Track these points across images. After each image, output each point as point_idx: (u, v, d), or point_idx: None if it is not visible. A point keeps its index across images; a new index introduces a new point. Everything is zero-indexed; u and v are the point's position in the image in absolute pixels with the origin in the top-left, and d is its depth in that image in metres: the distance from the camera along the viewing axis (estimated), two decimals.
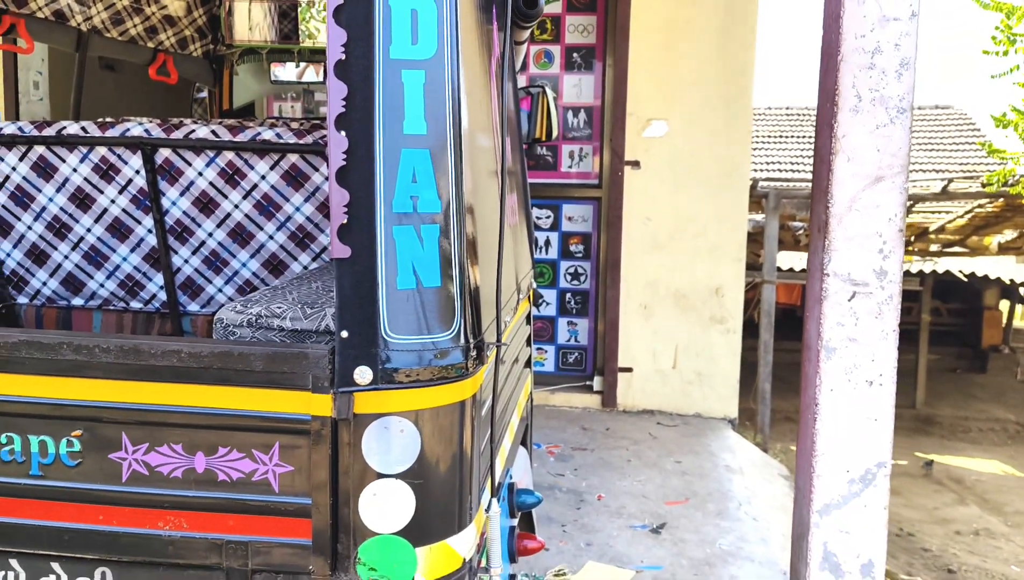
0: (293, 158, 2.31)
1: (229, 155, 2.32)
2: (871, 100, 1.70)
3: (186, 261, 2.50)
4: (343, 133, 1.43)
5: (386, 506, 1.47)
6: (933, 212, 12.84)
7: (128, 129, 2.33)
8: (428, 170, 1.45)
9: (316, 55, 4.48)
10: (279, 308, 1.64)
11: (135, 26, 3.70)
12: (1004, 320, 18.67)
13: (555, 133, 3.69)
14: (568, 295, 6.11)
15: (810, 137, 19.28)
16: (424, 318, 1.46)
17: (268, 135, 2.31)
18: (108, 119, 2.41)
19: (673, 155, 5.75)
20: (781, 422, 11.77)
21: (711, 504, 4.54)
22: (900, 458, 12.72)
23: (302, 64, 4.50)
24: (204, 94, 4.93)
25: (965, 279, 15.87)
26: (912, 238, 13.10)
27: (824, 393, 1.79)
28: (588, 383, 6.03)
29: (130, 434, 1.50)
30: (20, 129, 2.37)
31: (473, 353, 1.52)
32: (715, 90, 5.71)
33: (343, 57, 1.42)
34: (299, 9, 4.41)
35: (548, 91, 3.69)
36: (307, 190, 2.35)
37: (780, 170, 16.89)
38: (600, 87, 5.94)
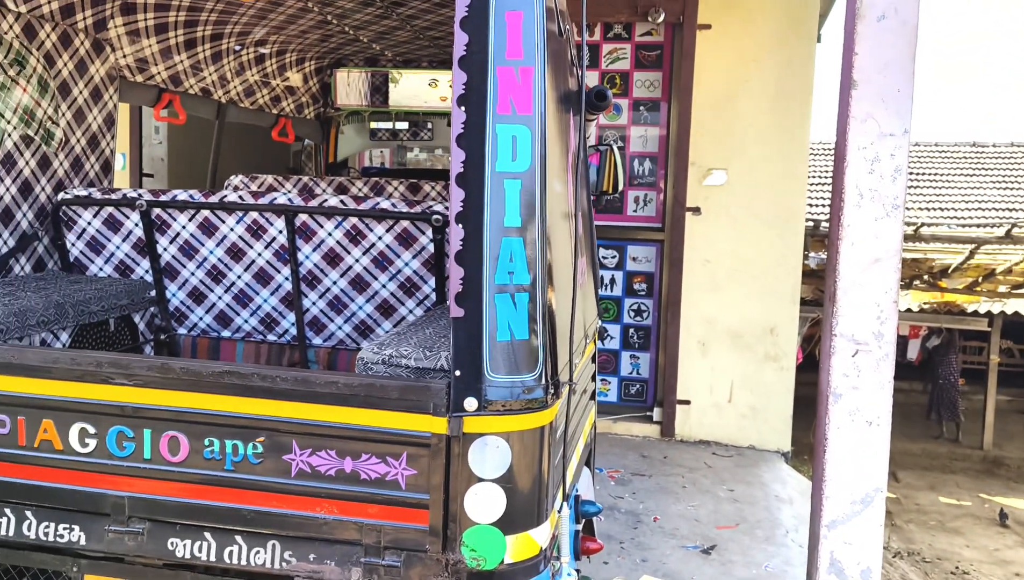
0: (405, 223, 2.85)
1: (354, 220, 2.87)
2: (871, 198, 2.15)
3: (314, 303, 3.05)
4: (460, 226, 1.94)
5: (484, 503, 1.95)
6: (1001, 254, 12.85)
7: (275, 198, 2.90)
8: (521, 253, 1.95)
9: (408, 115, 5.08)
10: (405, 350, 2.14)
11: (263, 96, 4.35)
12: None
13: (620, 186, 4.16)
14: (631, 330, 6.54)
15: None
16: (515, 363, 1.95)
17: (385, 205, 2.85)
18: (260, 189, 3.00)
19: (731, 202, 6.16)
20: None
21: (760, 530, 4.90)
22: (965, 499, 12.68)
23: (397, 123, 5.12)
24: (307, 142, 5.57)
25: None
26: (979, 279, 13.13)
27: (832, 430, 2.22)
28: (648, 413, 6.44)
29: (298, 442, 2.03)
30: (191, 196, 2.96)
31: (551, 390, 2.00)
32: (772, 142, 6.12)
33: (462, 170, 1.93)
34: (388, 79, 5.01)
35: (615, 149, 4.14)
36: (415, 249, 2.88)
37: None
38: (664, 138, 6.40)
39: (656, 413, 6.37)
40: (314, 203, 2.87)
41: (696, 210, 6.18)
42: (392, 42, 4.24)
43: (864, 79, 2.14)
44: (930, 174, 19.06)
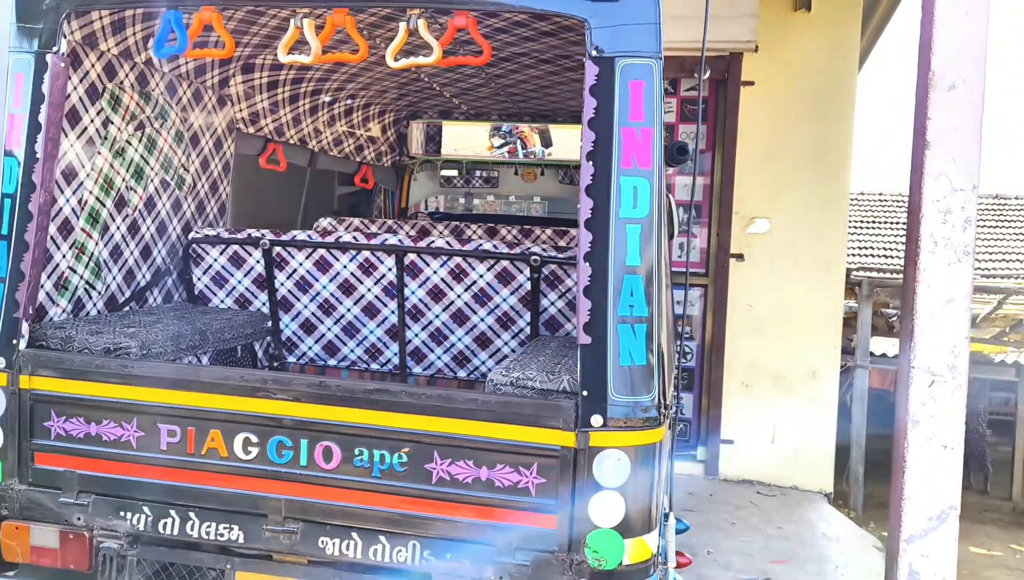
0: (505, 263, 3.14)
1: (458, 259, 3.17)
2: (944, 245, 2.42)
3: (416, 335, 3.33)
4: (588, 264, 2.22)
5: (606, 509, 2.21)
6: None
7: (386, 239, 3.21)
8: (640, 289, 2.23)
9: (474, 165, 5.43)
10: (530, 374, 2.41)
11: (348, 145, 4.70)
12: None
13: (676, 232, 4.45)
14: (676, 371, 6.78)
15: (903, 224, 19.55)
16: (635, 385, 2.22)
17: (487, 246, 3.15)
18: (372, 230, 3.31)
19: (774, 249, 6.43)
20: (874, 507, 11.90)
21: (811, 566, 5.08)
22: (996, 550, 12.64)
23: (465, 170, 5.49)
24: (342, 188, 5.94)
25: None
26: (1007, 330, 13.26)
27: (910, 454, 2.46)
28: (692, 452, 6.64)
29: (439, 452, 2.29)
30: (308, 236, 3.28)
31: (663, 410, 2.27)
32: (813, 191, 6.41)
33: (590, 216, 2.23)
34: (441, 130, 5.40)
35: (671, 197, 4.44)
36: (512, 286, 3.17)
37: (872, 255, 17.18)
38: (708, 187, 6.71)
39: (700, 452, 6.57)
40: (422, 244, 3.17)
41: (740, 257, 6.46)
42: (472, 97, 4.60)
43: (937, 141, 2.44)
44: (981, 225, 19.25)
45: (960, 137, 2.42)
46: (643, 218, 2.23)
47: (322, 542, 2.36)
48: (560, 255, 3.09)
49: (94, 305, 2.94)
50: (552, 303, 3.15)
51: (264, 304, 3.41)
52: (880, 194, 21.21)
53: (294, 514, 2.38)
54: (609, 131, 2.22)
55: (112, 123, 2.92)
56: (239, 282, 3.40)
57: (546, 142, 5.39)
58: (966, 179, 2.41)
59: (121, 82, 2.93)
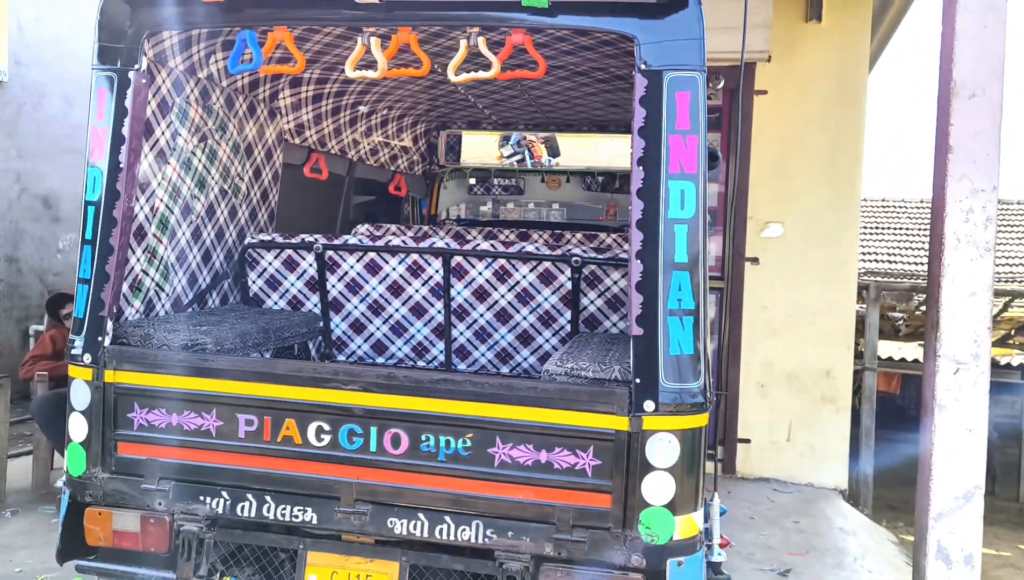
0: (547, 264, 3.33)
1: (502, 261, 3.35)
2: (967, 242, 2.60)
3: (461, 333, 3.51)
4: (639, 261, 2.40)
5: (658, 488, 2.38)
6: None
7: (434, 242, 3.39)
8: (688, 284, 2.41)
9: (501, 173, 5.64)
10: (583, 364, 2.58)
11: (384, 155, 4.89)
12: None
13: None
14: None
15: (906, 229, 19.76)
16: (683, 373, 2.40)
17: (530, 248, 3.33)
18: (416, 236, 3.50)
19: (788, 253, 6.61)
20: (884, 508, 12.05)
21: (829, 558, 5.24)
22: (1005, 550, 12.78)
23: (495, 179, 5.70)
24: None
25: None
26: (1012, 332, 13.42)
27: (937, 437, 2.64)
28: (710, 451, 6.79)
29: (501, 437, 2.47)
30: (360, 240, 3.46)
31: (708, 396, 2.45)
32: (825, 196, 6.60)
33: (641, 217, 2.41)
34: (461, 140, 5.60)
35: None
36: (554, 286, 3.35)
37: (877, 261, 17.34)
38: (722, 194, 6.89)
39: (718, 451, 6.73)
40: (467, 247, 3.35)
41: (755, 260, 6.64)
42: (503, 108, 4.79)
43: (959, 145, 2.62)
44: None
45: (980, 142, 2.61)
46: (690, 219, 2.42)
47: (390, 522, 2.53)
48: (600, 256, 3.28)
49: (162, 306, 3.12)
50: (592, 302, 3.33)
51: (315, 305, 3.60)
52: (883, 200, 21.41)
53: (364, 497, 2.55)
54: (658, 139, 2.41)
55: (180, 135, 3.11)
56: (292, 285, 3.59)
57: (553, 152, 5.58)
58: (987, 181, 2.59)
59: (187, 96, 3.12)
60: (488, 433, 2.48)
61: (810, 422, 6.64)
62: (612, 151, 5.23)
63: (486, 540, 2.48)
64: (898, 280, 12.98)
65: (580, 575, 2.42)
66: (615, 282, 3.30)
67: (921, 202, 21.78)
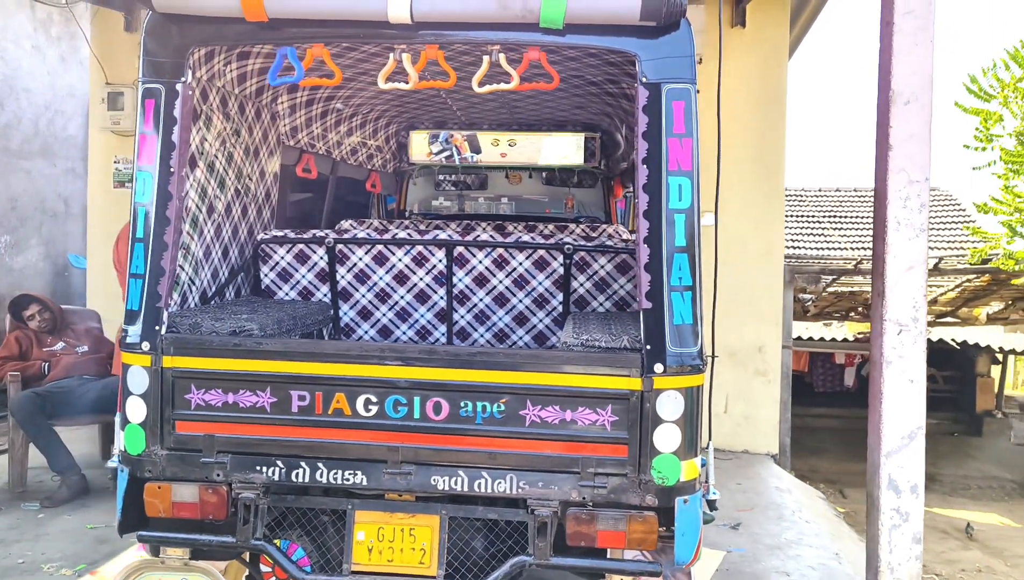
0: (541, 251, 3.72)
1: (500, 250, 3.72)
2: (906, 225, 3.13)
3: (462, 317, 3.87)
4: (647, 245, 2.82)
5: (667, 438, 2.81)
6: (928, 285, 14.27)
7: (438, 235, 3.74)
8: (686, 264, 2.84)
9: (467, 169, 5.99)
10: (596, 336, 2.98)
11: (362, 155, 5.18)
12: (996, 386, 19.99)
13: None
14: None
15: (809, 216, 20.98)
16: (684, 339, 2.83)
17: (526, 238, 3.72)
18: (423, 227, 3.83)
19: (722, 240, 7.18)
20: (798, 477, 12.96)
21: (771, 511, 5.84)
22: None
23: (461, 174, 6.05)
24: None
25: (958, 347, 17.28)
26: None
27: (886, 386, 3.17)
28: None
29: (531, 400, 2.85)
30: (368, 234, 3.78)
31: (706, 359, 2.89)
32: (754, 187, 7.21)
33: (647, 208, 2.83)
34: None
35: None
36: (548, 272, 3.74)
37: (786, 245, 18.34)
38: None
39: None
40: (468, 238, 3.72)
41: None
42: (478, 111, 5.14)
43: (897, 144, 3.15)
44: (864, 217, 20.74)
45: (915, 141, 3.14)
46: (686, 209, 2.85)
47: (433, 480, 2.88)
48: (589, 244, 3.69)
49: (193, 298, 3.37)
50: (581, 284, 3.75)
51: (325, 295, 3.89)
52: (786, 189, 22.53)
53: (409, 458, 2.89)
54: (658, 141, 2.83)
55: (207, 140, 3.37)
56: (303, 276, 3.87)
57: (474, 149, 5.94)
58: (920, 173, 3.12)
59: (211, 104, 3.38)
60: (520, 398, 2.85)
61: (745, 394, 7.26)
62: (569, 149, 5.64)
63: (519, 490, 2.86)
64: (808, 262, 13.89)
65: (602, 516, 2.83)
66: (602, 266, 3.72)
67: (819, 190, 23.11)
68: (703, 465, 3.02)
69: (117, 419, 3.07)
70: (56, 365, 5.82)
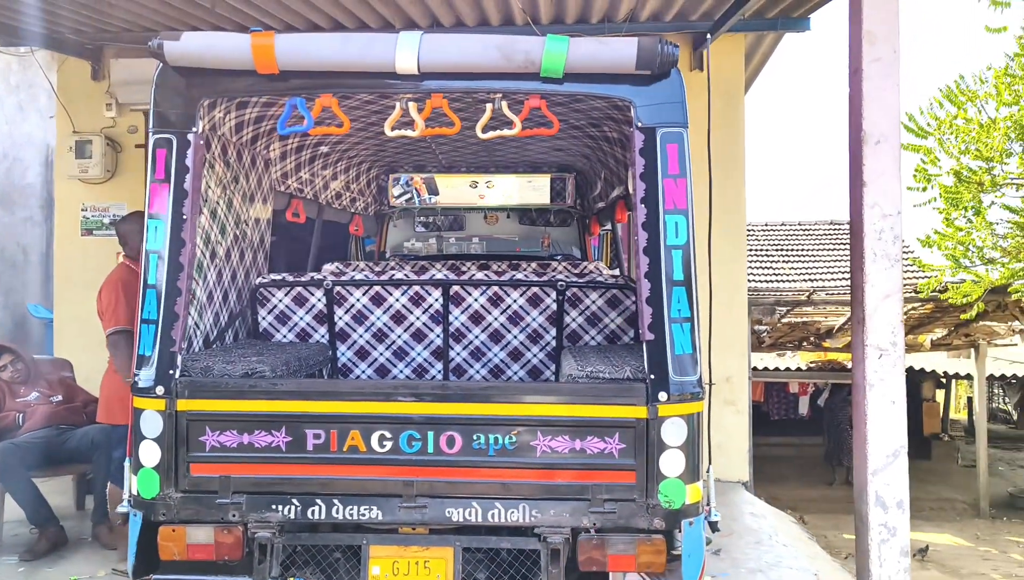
0: (535, 289, 3.86)
1: (495, 288, 3.85)
2: (882, 256, 3.35)
3: (458, 353, 3.97)
4: (647, 280, 2.98)
5: (672, 463, 2.94)
6: None
7: (434, 275, 3.86)
8: (684, 297, 3.01)
9: (446, 211, 6.14)
10: (599, 368, 3.11)
11: (345, 199, 5.28)
12: (941, 410, 20.65)
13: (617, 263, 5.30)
14: None
15: (759, 249, 21.54)
16: (685, 369, 2.99)
17: (520, 276, 3.86)
18: (422, 264, 3.94)
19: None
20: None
21: (748, 537, 5.99)
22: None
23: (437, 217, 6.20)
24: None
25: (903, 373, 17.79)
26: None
27: (870, 408, 3.36)
28: None
29: (541, 431, 2.96)
30: (366, 276, 3.87)
31: (705, 387, 3.05)
32: (718, 221, 7.45)
33: (647, 244, 2.99)
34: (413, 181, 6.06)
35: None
36: (541, 308, 3.88)
37: None
38: (627, 224, 7.64)
39: None
40: (464, 277, 3.84)
41: None
42: (459, 154, 5.30)
43: (870, 181, 3.38)
44: (819, 248, 21.40)
45: (886, 178, 3.37)
46: (683, 245, 3.03)
47: (448, 512, 2.97)
48: (581, 280, 3.84)
49: (197, 342, 3.42)
50: (573, 319, 3.89)
51: (323, 336, 3.97)
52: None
53: (424, 492, 2.97)
54: (655, 182, 3.01)
55: (210, 187, 3.45)
56: (301, 318, 3.94)
57: (432, 191, 6.11)
58: (893, 208, 3.36)
59: (214, 153, 3.46)
60: (531, 429, 2.97)
61: (715, 423, 7.40)
62: (545, 189, 5.82)
63: (532, 519, 2.96)
64: (762, 294, 14.27)
65: (613, 540, 2.94)
66: (593, 301, 3.87)
67: (766, 225, 23.77)
68: (704, 487, 3.15)
69: (127, 464, 3.09)
70: (31, 416, 5.72)
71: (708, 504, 3.17)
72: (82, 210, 7.58)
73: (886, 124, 3.36)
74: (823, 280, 18.85)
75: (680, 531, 2.96)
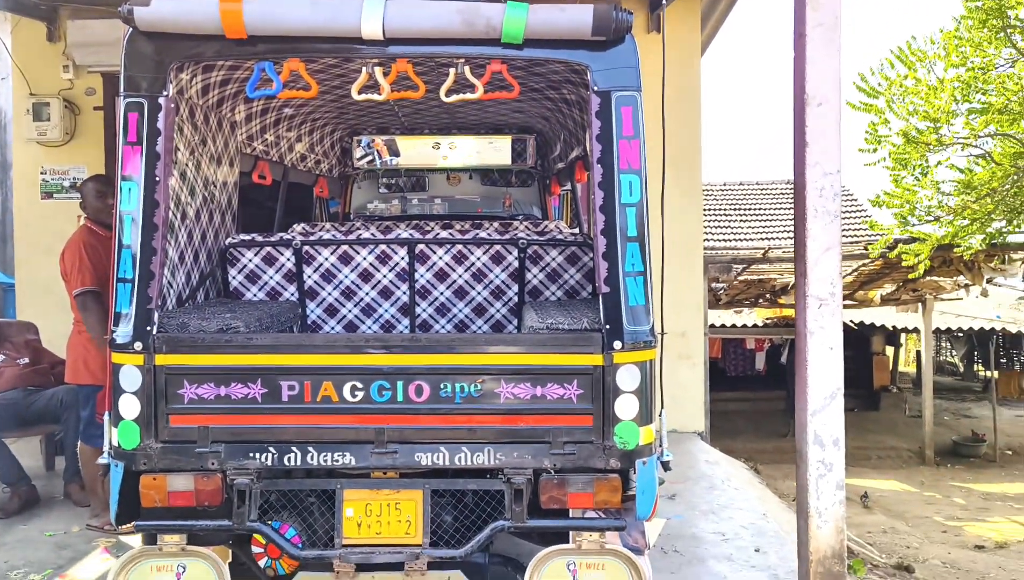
0: (498, 247, 4.02)
1: (460, 246, 4.01)
2: (823, 212, 3.56)
3: (424, 310, 4.13)
4: (603, 236, 3.16)
5: (627, 407, 3.14)
6: None
7: (400, 234, 4.00)
8: (638, 252, 3.19)
9: (409, 172, 6.24)
10: (559, 320, 3.29)
11: (310, 161, 5.37)
12: (890, 364, 21.37)
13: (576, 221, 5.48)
14: None
15: (717, 209, 21.92)
16: (639, 319, 3.18)
17: (483, 234, 4.01)
18: (387, 224, 4.07)
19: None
20: None
21: (703, 482, 6.30)
22: None
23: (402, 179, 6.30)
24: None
25: (856, 328, 18.40)
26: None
27: (810, 354, 3.60)
28: None
29: (505, 379, 3.14)
30: (334, 235, 4.00)
31: (657, 336, 3.25)
32: (672, 182, 7.65)
33: (603, 203, 3.16)
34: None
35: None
36: (504, 265, 4.04)
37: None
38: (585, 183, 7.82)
39: None
40: (429, 236, 3.99)
41: None
42: (421, 116, 5.39)
43: (813, 141, 3.58)
44: (776, 208, 21.80)
45: (827, 138, 3.58)
46: (636, 203, 3.21)
47: (417, 456, 3.15)
48: (542, 238, 4.01)
49: (171, 301, 3.53)
50: (535, 276, 4.07)
51: (292, 294, 4.09)
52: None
53: (394, 438, 3.14)
54: (610, 143, 3.17)
55: (179, 150, 3.54)
56: (271, 278, 4.07)
57: (393, 152, 6.23)
58: (833, 166, 3.56)
59: (182, 115, 3.55)
60: (495, 377, 3.15)
61: (672, 377, 7.68)
62: (506, 150, 5.96)
63: (496, 461, 3.15)
64: (719, 253, 14.60)
65: (572, 480, 3.16)
66: (553, 258, 4.05)
67: (725, 185, 24.12)
68: (657, 429, 3.38)
69: (107, 417, 3.21)
70: None
71: (660, 445, 3.39)
72: (41, 173, 7.55)
73: (827, 87, 3.55)
74: (779, 238, 19.26)
75: (634, 470, 3.17)
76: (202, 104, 3.76)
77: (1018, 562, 8.59)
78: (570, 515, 3.27)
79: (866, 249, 12.14)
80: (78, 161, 7.42)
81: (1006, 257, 12.76)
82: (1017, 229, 11.33)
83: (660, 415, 3.36)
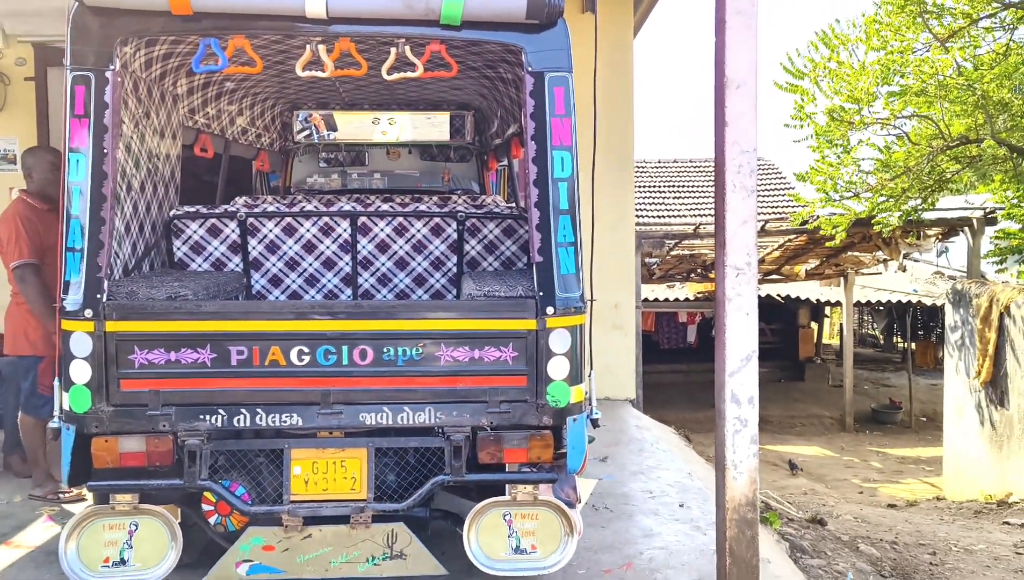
0: (437, 219, 4.19)
1: (400, 219, 4.17)
2: (740, 187, 3.83)
3: (366, 280, 4.28)
4: (536, 209, 3.37)
5: (558, 368, 3.38)
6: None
7: (342, 206, 4.14)
8: (569, 224, 3.41)
9: (349, 147, 6.34)
10: (495, 287, 3.49)
11: (251, 135, 5.44)
12: (815, 336, 22.21)
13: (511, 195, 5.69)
14: None
15: (651, 186, 22.36)
16: (570, 286, 3.41)
17: (423, 208, 4.18)
18: (329, 197, 4.21)
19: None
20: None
21: (633, 445, 6.61)
22: None
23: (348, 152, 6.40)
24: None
25: (782, 301, 19.08)
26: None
27: (728, 319, 3.88)
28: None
29: (445, 343, 3.33)
30: (278, 208, 4.12)
31: (587, 302, 3.49)
32: (605, 160, 7.89)
33: (536, 177, 3.37)
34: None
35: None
36: (444, 237, 4.22)
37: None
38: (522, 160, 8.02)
39: None
40: (371, 209, 4.15)
41: None
42: (361, 92, 5.50)
43: (731, 121, 3.83)
44: (708, 184, 22.31)
45: (745, 119, 3.83)
46: (567, 177, 3.42)
47: (361, 417, 3.33)
48: (480, 211, 4.21)
49: (117, 271, 3.63)
50: (473, 247, 4.26)
51: (237, 265, 4.21)
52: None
53: (339, 400, 3.32)
54: (543, 121, 3.37)
55: (124, 122, 3.61)
56: (216, 249, 4.17)
57: (331, 127, 6.35)
58: (749, 145, 3.82)
59: (126, 88, 3.62)
60: (435, 341, 3.34)
61: (604, 347, 8.00)
62: (444, 126, 6.11)
63: (436, 420, 3.36)
64: (654, 228, 15.00)
65: (507, 437, 3.38)
66: (490, 231, 4.24)
67: (659, 162, 24.58)
68: (587, 390, 3.62)
69: (56, 382, 3.31)
70: None
71: (590, 404, 3.64)
72: None
73: (745, 71, 3.80)
74: (710, 214, 19.76)
75: (566, 427, 3.41)
76: (145, 77, 3.83)
77: (924, 517, 9.20)
78: (506, 470, 3.50)
79: (803, 225, 12.62)
80: (9, 132, 7.29)
81: (921, 233, 13.43)
82: (931, 207, 11.94)
83: (589, 376, 3.61)
